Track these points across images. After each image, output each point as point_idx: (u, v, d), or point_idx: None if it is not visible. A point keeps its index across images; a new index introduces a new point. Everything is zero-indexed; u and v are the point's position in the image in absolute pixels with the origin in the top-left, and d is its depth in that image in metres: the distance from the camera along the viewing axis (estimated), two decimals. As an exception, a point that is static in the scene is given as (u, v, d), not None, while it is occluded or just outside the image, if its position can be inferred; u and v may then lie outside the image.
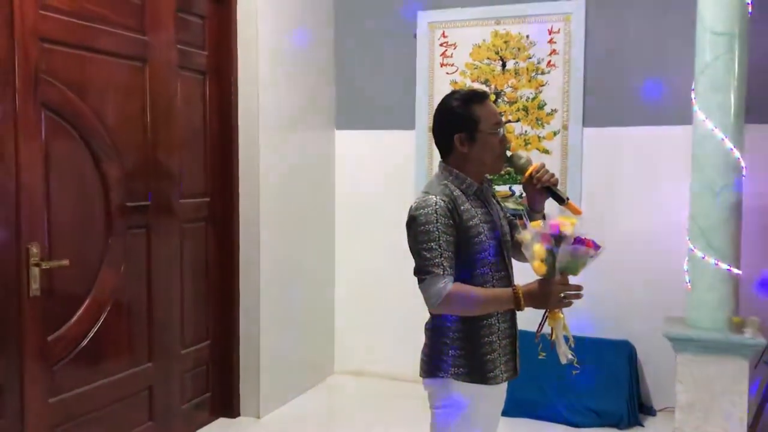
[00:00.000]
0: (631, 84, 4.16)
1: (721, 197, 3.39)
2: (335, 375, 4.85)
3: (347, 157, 4.80)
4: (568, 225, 1.92)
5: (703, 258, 3.41)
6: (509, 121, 4.42)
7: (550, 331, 2.06)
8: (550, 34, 4.31)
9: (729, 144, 3.37)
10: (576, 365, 2.05)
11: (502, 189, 4.43)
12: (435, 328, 2.14)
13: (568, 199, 2.17)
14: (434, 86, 4.53)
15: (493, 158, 2.14)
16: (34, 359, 2.84)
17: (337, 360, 4.88)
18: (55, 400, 2.95)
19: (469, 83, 4.48)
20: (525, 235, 1.98)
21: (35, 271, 2.81)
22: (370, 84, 4.72)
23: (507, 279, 2.15)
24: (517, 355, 2.22)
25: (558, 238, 1.91)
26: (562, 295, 1.97)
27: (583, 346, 4.01)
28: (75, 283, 3.05)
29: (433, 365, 2.13)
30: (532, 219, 2.10)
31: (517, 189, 4.38)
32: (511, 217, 2.30)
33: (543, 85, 4.35)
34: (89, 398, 3.12)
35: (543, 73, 4.34)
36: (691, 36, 3.51)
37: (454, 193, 2.09)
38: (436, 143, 2.20)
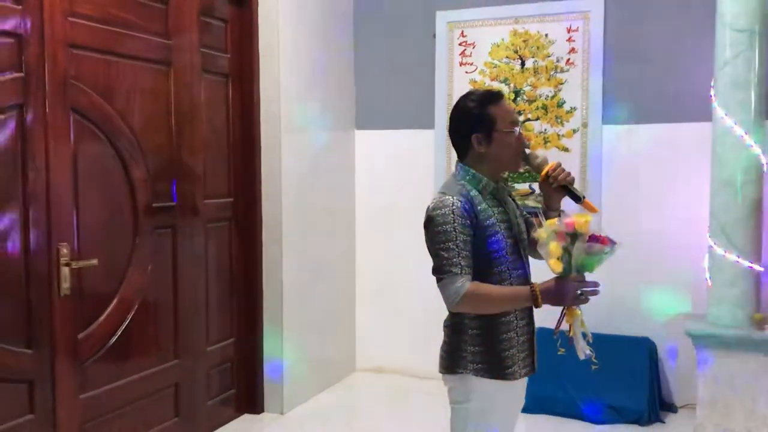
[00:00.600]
0: (651, 81, 4.16)
1: (741, 194, 3.39)
2: (357, 372, 4.90)
3: (367, 157, 4.85)
4: (582, 222, 1.94)
5: (724, 255, 3.42)
6: (528, 120, 4.44)
7: (568, 328, 2.09)
8: (569, 32, 4.32)
9: (749, 141, 3.37)
10: (594, 361, 2.08)
11: (522, 187, 4.45)
12: (454, 325, 2.18)
13: (584, 197, 2.19)
14: (453, 85, 4.56)
15: (510, 157, 2.17)
16: (65, 356, 2.93)
17: (359, 357, 4.93)
18: (85, 396, 3.03)
19: (488, 82, 4.51)
20: (540, 233, 2.01)
21: (65, 271, 2.89)
22: (389, 84, 4.76)
23: (524, 277, 2.18)
24: (535, 351, 2.25)
25: (573, 235, 1.94)
26: (579, 292, 1.99)
27: (603, 343, 4.04)
28: (103, 282, 3.14)
29: (452, 361, 2.17)
30: (548, 217, 2.12)
31: (537, 187, 4.40)
32: (528, 216, 2.33)
33: (562, 84, 4.36)
34: (117, 394, 3.21)
35: (562, 71, 4.36)
36: (710, 33, 3.51)
37: (471, 193, 2.12)
38: (453, 144, 2.23)
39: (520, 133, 2.18)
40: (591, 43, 4.27)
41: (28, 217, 2.76)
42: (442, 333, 2.24)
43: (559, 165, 2.20)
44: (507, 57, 4.49)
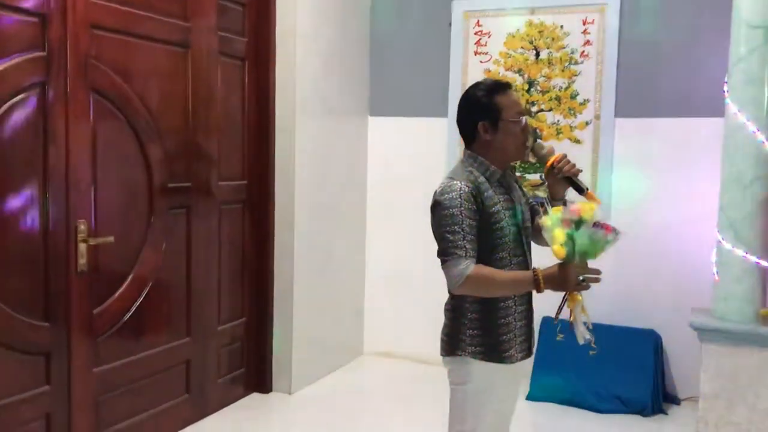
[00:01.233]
0: (664, 75, 4.17)
1: (751, 190, 3.40)
2: (364, 356, 4.96)
3: (380, 143, 4.89)
4: (588, 210, 1.98)
5: (732, 250, 3.44)
6: (541, 111, 4.46)
7: (569, 314, 2.13)
8: (584, 24, 4.33)
9: (761, 137, 3.37)
10: (593, 346, 2.12)
11: (533, 177, 4.48)
12: (454, 309, 2.23)
13: (587, 189, 2.24)
14: (468, 75, 4.59)
15: (515, 146, 2.21)
16: (81, 331, 3.00)
17: (366, 341, 4.99)
18: (99, 370, 3.11)
19: (502, 72, 4.53)
20: (546, 219, 2.05)
21: (82, 247, 2.96)
22: (404, 71, 4.79)
23: (524, 263, 2.23)
24: (533, 336, 2.31)
25: (578, 222, 1.98)
26: (581, 278, 2.03)
27: (610, 334, 4.15)
28: (119, 259, 3.20)
29: (452, 344, 2.23)
30: (553, 207, 2.17)
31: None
32: (534, 204, 2.37)
33: (576, 75, 4.38)
34: (130, 370, 3.28)
35: (576, 63, 4.37)
36: (726, 28, 3.51)
37: (478, 179, 2.16)
38: (461, 132, 2.28)
39: (526, 124, 2.22)
40: (606, 35, 4.28)
41: (48, 193, 2.83)
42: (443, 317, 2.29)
43: (564, 156, 2.24)
44: (522, 47, 4.50)
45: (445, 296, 2.27)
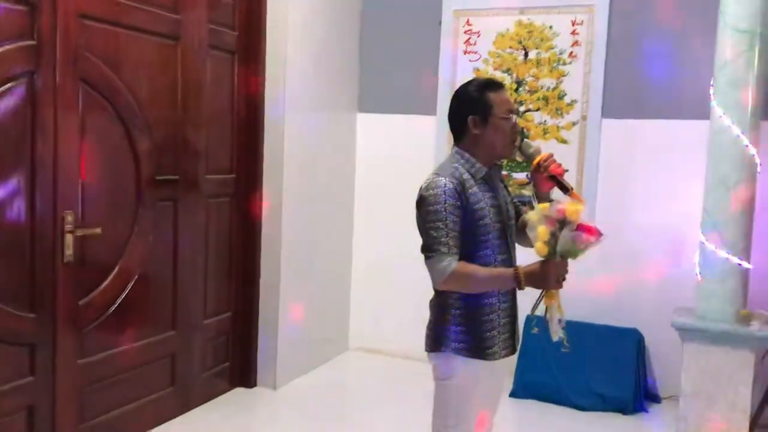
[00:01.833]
0: (651, 77, 4.20)
1: (735, 192, 3.45)
2: (349, 351, 4.97)
3: (368, 140, 4.90)
4: (573, 211, 2.01)
5: (715, 251, 3.48)
6: (529, 110, 4.49)
7: (545, 310, 2.16)
8: (573, 25, 4.36)
9: (745, 140, 3.42)
10: (566, 344, 2.15)
11: (519, 177, 4.51)
12: (438, 305, 2.26)
13: (572, 188, 2.27)
14: (457, 73, 4.61)
15: (503, 143, 2.23)
16: (66, 322, 2.99)
17: (352, 337, 5.00)
18: (84, 361, 3.10)
19: (491, 71, 4.55)
20: (532, 215, 2.08)
21: (69, 238, 2.95)
22: (393, 68, 4.80)
23: (508, 261, 2.25)
24: (517, 333, 2.34)
25: (563, 222, 2.00)
26: (561, 277, 2.07)
27: (593, 332, 4.19)
28: (105, 251, 3.19)
29: (436, 340, 2.25)
30: (550, 199, 2.20)
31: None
32: (518, 203, 2.41)
33: (564, 76, 4.41)
34: (115, 361, 3.28)
35: (564, 63, 4.40)
36: (712, 32, 3.56)
37: (463, 176, 2.18)
38: (451, 127, 2.30)
39: (515, 122, 2.26)
40: (595, 37, 4.31)
41: (35, 182, 2.81)
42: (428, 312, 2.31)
43: (550, 155, 2.27)
44: (511, 47, 4.53)
45: (431, 292, 2.29)
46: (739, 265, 3.47)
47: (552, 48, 4.43)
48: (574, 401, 4.07)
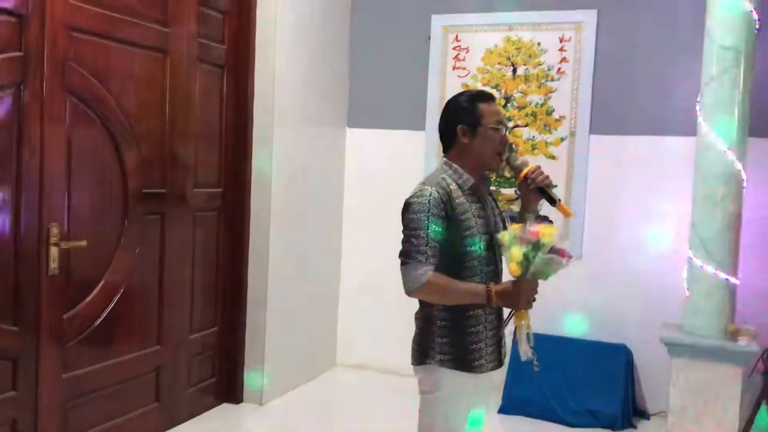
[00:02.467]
0: (639, 94, 4.24)
1: (721, 207, 3.47)
2: (337, 367, 4.94)
3: (357, 155, 4.90)
4: (547, 234, 2.01)
5: (702, 266, 3.50)
6: (517, 126, 4.51)
7: (513, 330, 2.16)
8: (561, 42, 4.40)
9: (731, 156, 3.45)
10: (536, 363, 2.15)
11: (508, 192, 4.52)
12: (424, 317, 2.25)
13: (559, 200, 2.27)
14: (446, 89, 4.62)
15: (491, 154, 2.23)
16: (50, 335, 2.95)
17: (339, 353, 4.97)
18: (68, 375, 3.06)
19: (480, 87, 4.57)
20: (503, 236, 2.09)
21: (54, 251, 2.91)
22: (383, 84, 4.82)
23: (495, 274, 2.24)
24: (503, 346, 2.32)
25: (536, 244, 2.01)
26: (532, 298, 2.10)
27: (581, 348, 4.18)
28: (91, 264, 3.16)
29: (421, 352, 2.24)
30: (525, 219, 2.20)
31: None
32: (507, 217, 2.40)
33: (552, 92, 4.44)
34: (99, 376, 3.23)
35: (552, 80, 4.43)
36: (698, 49, 3.60)
37: (450, 186, 2.18)
38: (441, 137, 2.31)
39: (505, 134, 2.26)
40: (582, 53, 4.35)
41: (21, 195, 2.79)
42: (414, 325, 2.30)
43: (538, 168, 2.26)
44: (499, 63, 4.56)
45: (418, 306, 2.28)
46: (727, 280, 3.48)
47: (540, 64, 4.46)
48: (563, 418, 4.05)
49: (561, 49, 4.41)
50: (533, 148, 4.49)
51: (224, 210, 4.04)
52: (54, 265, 2.91)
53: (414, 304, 2.28)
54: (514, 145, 4.48)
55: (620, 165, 4.32)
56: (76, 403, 3.11)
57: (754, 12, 3.45)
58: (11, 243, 2.78)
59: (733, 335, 3.48)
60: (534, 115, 4.48)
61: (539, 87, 4.47)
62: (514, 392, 4.16)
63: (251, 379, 4.14)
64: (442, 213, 2.12)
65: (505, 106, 4.52)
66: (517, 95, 4.52)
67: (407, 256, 2.12)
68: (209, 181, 3.91)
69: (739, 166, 3.47)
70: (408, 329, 2.34)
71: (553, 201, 2.26)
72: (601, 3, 4.30)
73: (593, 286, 4.25)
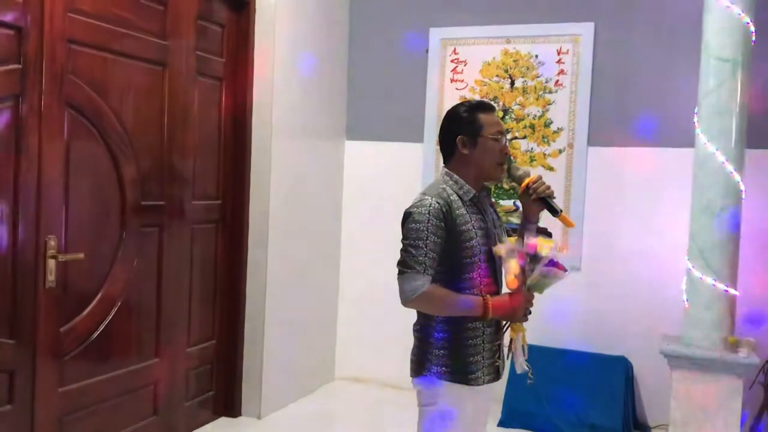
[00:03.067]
0: (636, 106, 4.25)
1: (720, 219, 3.47)
2: (336, 381, 4.91)
3: (356, 167, 4.90)
4: (545, 247, 2.02)
5: (701, 278, 3.49)
6: (516, 138, 4.52)
7: (509, 343, 2.16)
8: (558, 54, 4.42)
9: (729, 167, 3.45)
10: (530, 376, 2.15)
11: (507, 203, 4.52)
12: (422, 329, 2.24)
13: (561, 211, 2.26)
14: (444, 101, 4.63)
15: (492, 164, 2.23)
16: (47, 349, 2.93)
17: (338, 366, 4.95)
18: (65, 389, 3.03)
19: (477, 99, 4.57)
20: (500, 249, 2.09)
21: (51, 264, 2.90)
22: (381, 96, 4.82)
23: (494, 285, 2.23)
24: (502, 359, 2.30)
25: (533, 257, 2.01)
26: (528, 310, 2.12)
27: (581, 360, 4.15)
28: (88, 277, 3.15)
29: (420, 365, 2.23)
30: (526, 229, 2.20)
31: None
32: (508, 229, 2.40)
33: (550, 104, 4.45)
34: (96, 390, 3.21)
35: (550, 92, 4.44)
36: (696, 61, 3.61)
37: (451, 197, 2.18)
38: (441, 147, 2.31)
39: (505, 144, 2.25)
40: (580, 65, 4.36)
41: (18, 207, 2.78)
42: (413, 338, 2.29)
43: (539, 178, 2.26)
44: (497, 75, 4.57)
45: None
46: (726, 291, 3.47)
47: (538, 76, 4.47)
48: (563, 430, 4.02)
49: (558, 62, 4.42)
50: (531, 160, 4.49)
51: (223, 222, 4.03)
52: (51, 277, 2.90)
53: (413, 316, 2.27)
54: (513, 157, 4.48)
55: (618, 176, 4.32)
56: (73, 417, 3.09)
57: (751, 24, 3.46)
58: (8, 255, 2.77)
59: (734, 347, 3.46)
60: (532, 127, 4.49)
61: (537, 99, 4.48)
62: (513, 405, 4.14)
63: (249, 392, 4.11)
64: (442, 224, 2.12)
65: (503, 118, 4.52)
66: (515, 107, 4.53)
67: (405, 265, 2.12)
68: (207, 193, 3.90)
69: (737, 177, 3.46)
70: (407, 342, 2.33)
71: (554, 211, 2.25)
72: (598, 16, 4.32)
73: (592, 298, 4.23)
